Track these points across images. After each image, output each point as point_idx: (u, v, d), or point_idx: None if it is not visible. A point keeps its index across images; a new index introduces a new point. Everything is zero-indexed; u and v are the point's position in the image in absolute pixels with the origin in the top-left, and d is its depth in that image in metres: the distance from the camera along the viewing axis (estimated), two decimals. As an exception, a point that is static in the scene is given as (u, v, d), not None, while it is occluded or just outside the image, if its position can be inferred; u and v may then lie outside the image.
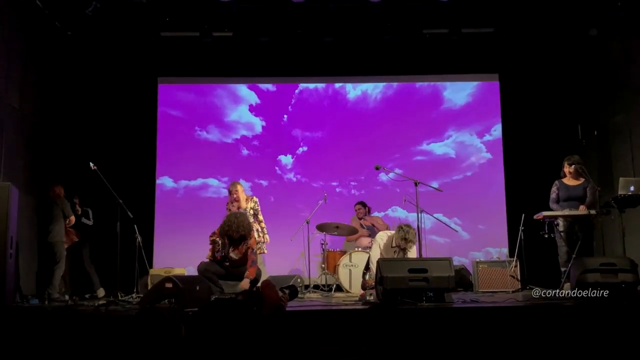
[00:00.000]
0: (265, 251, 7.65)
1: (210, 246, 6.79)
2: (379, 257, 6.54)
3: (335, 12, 8.50)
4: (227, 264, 6.65)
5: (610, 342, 2.91)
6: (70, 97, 8.97)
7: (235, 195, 7.59)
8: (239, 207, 7.52)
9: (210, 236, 6.81)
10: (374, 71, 9.78)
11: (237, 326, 2.49)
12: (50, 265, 7.01)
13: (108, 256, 7.51)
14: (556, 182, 7.09)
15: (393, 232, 6.81)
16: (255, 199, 7.84)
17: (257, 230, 7.49)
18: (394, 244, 6.67)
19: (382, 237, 6.88)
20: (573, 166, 6.96)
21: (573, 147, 8.67)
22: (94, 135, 9.09)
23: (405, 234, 6.46)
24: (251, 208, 7.68)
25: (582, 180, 6.99)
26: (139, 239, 7.78)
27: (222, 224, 6.65)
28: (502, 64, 9.69)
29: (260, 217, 7.75)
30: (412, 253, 6.64)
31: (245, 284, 6.37)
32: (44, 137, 8.18)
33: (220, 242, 6.66)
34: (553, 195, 7.04)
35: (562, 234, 6.80)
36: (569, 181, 7.02)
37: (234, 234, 6.46)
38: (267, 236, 7.73)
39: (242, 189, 7.75)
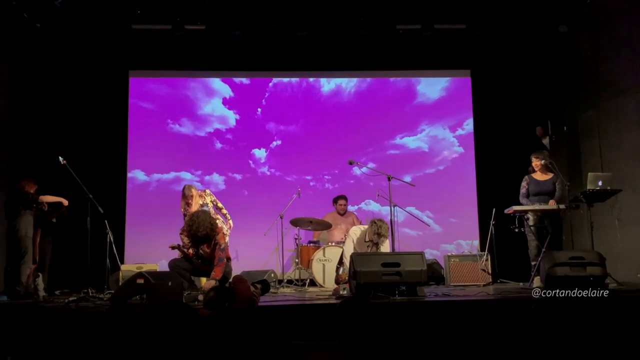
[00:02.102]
0: (227, 239, 7.55)
1: (181, 243, 6.73)
2: (352, 251, 6.58)
3: (309, 6, 8.48)
4: (199, 260, 6.62)
5: (579, 333, 2.96)
6: (40, 91, 8.81)
7: (190, 200, 7.53)
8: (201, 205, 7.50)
9: (180, 233, 6.76)
10: (348, 66, 9.77)
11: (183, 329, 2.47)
12: (17, 261, 6.85)
13: (78, 252, 7.39)
14: (526, 177, 7.19)
15: (366, 226, 6.85)
16: (207, 191, 7.86)
17: (220, 219, 7.48)
18: (367, 239, 6.72)
19: (356, 231, 6.93)
20: (543, 161, 7.05)
21: (543, 143, 8.79)
22: (64, 128, 8.94)
23: (378, 229, 6.51)
24: (211, 201, 7.69)
25: (551, 175, 7.09)
26: (110, 234, 7.68)
27: (185, 224, 6.61)
28: (474, 60, 9.77)
29: (220, 205, 7.77)
30: (385, 247, 6.69)
31: (209, 284, 6.22)
32: (13, 131, 8.02)
33: (187, 241, 6.62)
34: (523, 190, 7.13)
35: (532, 228, 6.90)
36: (538, 176, 7.12)
37: (198, 233, 6.42)
38: (230, 221, 7.74)
39: (197, 192, 7.69)
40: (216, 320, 2.34)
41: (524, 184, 7.16)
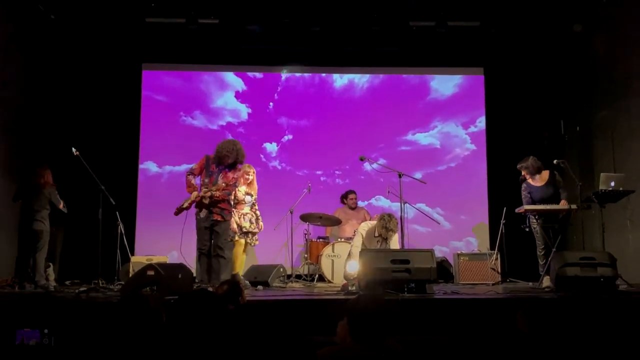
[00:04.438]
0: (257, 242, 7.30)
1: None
2: (360, 246, 6.59)
3: (322, 1, 8.47)
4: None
5: (588, 334, 2.95)
6: (54, 82, 8.85)
7: (251, 177, 7.07)
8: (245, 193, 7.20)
9: (188, 174, 6.77)
10: (361, 62, 9.76)
11: (213, 318, 2.48)
12: (32, 252, 6.83)
13: (89, 243, 7.43)
14: (524, 186, 7.01)
15: (374, 221, 6.86)
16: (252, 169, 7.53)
17: (252, 219, 7.18)
18: (376, 234, 6.73)
19: (364, 227, 6.94)
20: (525, 166, 6.91)
21: (556, 142, 8.74)
22: (77, 120, 9.00)
23: (387, 223, 6.53)
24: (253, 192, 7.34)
25: (545, 177, 6.92)
26: (121, 225, 7.73)
27: (220, 147, 6.67)
28: (488, 57, 9.71)
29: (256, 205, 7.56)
30: (394, 242, 6.70)
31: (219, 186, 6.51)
32: (26, 122, 8.08)
33: (192, 179, 6.69)
34: (526, 200, 6.98)
35: (538, 228, 6.83)
36: (534, 182, 6.93)
37: (227, 159, 6.47)
38: (261, 223, 7.32)
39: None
40: (241, 313, 2.36)
41: (525, 193, 7.00)
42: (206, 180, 6.69)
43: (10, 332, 2.57)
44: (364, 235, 6.84)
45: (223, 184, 6.63)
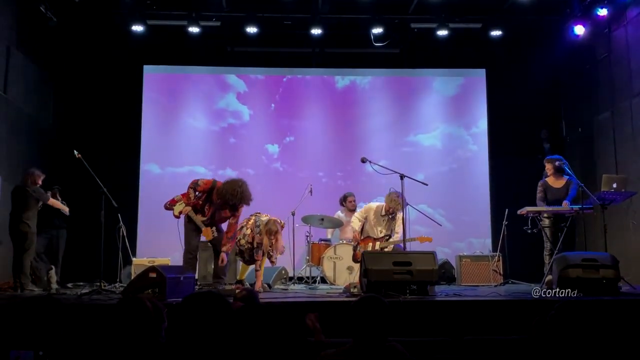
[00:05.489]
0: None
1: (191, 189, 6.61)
2: (363, 222, 7.20)
3: (324, 2, 8.47)
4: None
5: (590, 336, 2.95)
6: (56, 84, 8.87)
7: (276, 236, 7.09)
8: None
9: (192, 187, 6.62)
10: (363, 64, 9.76)
11: (218, 319, 2.49)
12: (21, 253, 6.80)
13: (91, 245, 7.43)
14: (541, 182, 7.05)
15: (379, 203, 7.29)
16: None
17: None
18: (383, 212, 7.10)
19: (372, 206, 7.32)
20: (556, 163, 6.96)
21: (557, 144, 8.73)
22: (79, 122, 9.01)
23: (395, 197, 6.94)
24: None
25: (564, 180, 6.95)
26: (123, 228, 7.72)
27: (224, 189, 6.45)
28: (489, 59, 9.70)
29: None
30: (400, 217, 6.95)
31: (222, 258, 6.42)
32: (28, 124, 8.09)
33: (193, 195, 6.56)
34: (540, 195, 7.00)
35: (546, 229, 6.83)
36: (552, 182, 6.97)
37: (230, 201, 6.43)
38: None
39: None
40: (248, 313, 2.36)
41: (540, 188, 7.03)
42: (205, 208, 6.63)
43: (4, 352, 2.54)
44: (372, 214, 7.22)
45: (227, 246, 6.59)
